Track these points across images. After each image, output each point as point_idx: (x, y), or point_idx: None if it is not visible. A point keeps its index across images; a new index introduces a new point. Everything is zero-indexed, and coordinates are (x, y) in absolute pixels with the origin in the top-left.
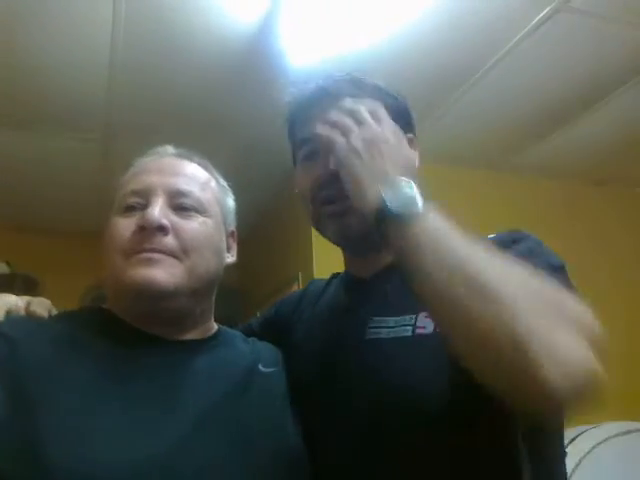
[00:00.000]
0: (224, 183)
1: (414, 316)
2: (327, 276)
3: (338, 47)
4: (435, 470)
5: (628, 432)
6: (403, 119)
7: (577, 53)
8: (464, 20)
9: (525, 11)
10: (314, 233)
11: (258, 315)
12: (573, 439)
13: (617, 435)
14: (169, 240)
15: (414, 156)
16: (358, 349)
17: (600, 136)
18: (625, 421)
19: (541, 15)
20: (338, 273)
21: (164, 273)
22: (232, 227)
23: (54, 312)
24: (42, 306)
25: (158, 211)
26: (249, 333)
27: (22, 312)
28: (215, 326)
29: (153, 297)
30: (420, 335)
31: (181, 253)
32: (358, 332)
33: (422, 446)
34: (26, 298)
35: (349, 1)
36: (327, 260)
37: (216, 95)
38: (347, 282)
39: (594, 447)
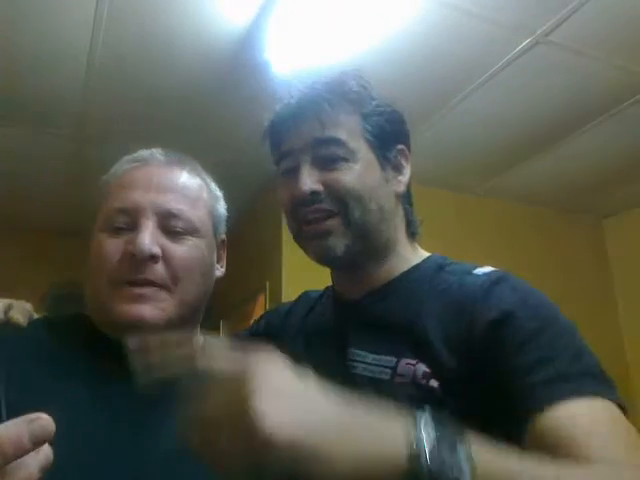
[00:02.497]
0: (215, 189)
1: (395, 360)
2: (295, 287)
3: (322, 57)
4: None
5: None
6: (386, 132)
7: (553, 85)
8: (444, 46)
9: (506, 41)
10: (284, 243)
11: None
12: None
13: None
14: (159, 269)
15: (394, 178)
16: (335, 380)
17: (572, 166)
18: None
19: (521, 46)
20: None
21: (154, 310)
22: (223, 235)
23: (35, 317)
24: (22, 312)
25: (149, 239)
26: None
27: (1, 315)
28: (201, 340)
29: (141, 332)
30: (399, 384)
31: (171, 282)
32: (337, 362)
33: None
34: (7, 301)
35: (335, 13)
36: (296, 271)
37: (193, 103)
38: (334, 301)
39: None
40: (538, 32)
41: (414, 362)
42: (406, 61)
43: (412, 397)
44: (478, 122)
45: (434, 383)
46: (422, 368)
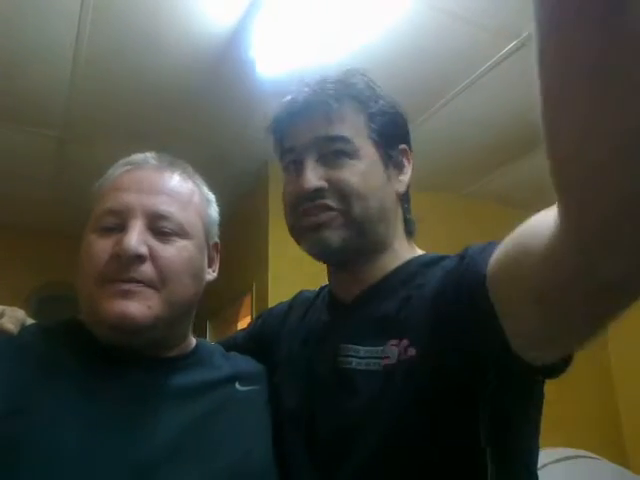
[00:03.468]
0: (207, 192)
1: (382, 348)
2: (281, 288)
3: (309, 57)
4: None
5: (567, 458)
6: (390, 132)
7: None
8: (431, 47)
9: (492, 44)
10: (270, 244)
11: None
12: None
13: (555, 462)
14: (146, 269)
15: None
16: (329, 377)
17: None
18: (564, 447)
19: (507, 48)
20: (327, 285)
21: (141, 306)
22: (215, 239)
23: (28, 322)
24: (14, 319)
25: (135, 239)
26: (231, 347)
27: None
28: (193, 342)
29: (129, 331)
30: (386, 366)
31: (158, 282)
32: (330, 359)
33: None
34: None
35: (322, 13)
36: (282, 272)
37: (179, 102)
38: (329, 303)
39: None
40: (524, 35)
41: (397, 341)
42: (392, 61)
43: (399, 376)
44: (464, 123)
45: (412, 351)
46: (405, 344)
